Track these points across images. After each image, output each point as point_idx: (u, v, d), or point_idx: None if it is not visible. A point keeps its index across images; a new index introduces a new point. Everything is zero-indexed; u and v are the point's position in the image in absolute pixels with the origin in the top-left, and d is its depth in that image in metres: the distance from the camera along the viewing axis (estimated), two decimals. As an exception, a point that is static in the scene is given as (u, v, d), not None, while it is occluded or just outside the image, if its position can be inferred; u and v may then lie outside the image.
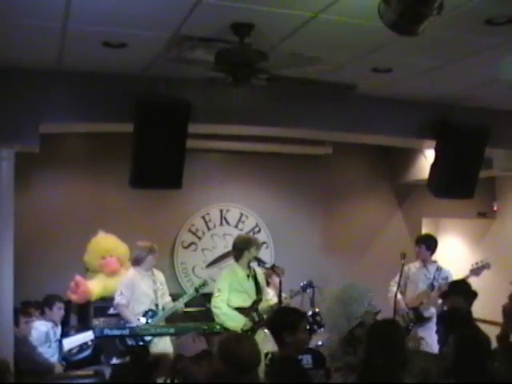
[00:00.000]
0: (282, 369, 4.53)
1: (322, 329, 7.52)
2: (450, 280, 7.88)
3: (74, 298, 8.10)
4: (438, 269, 8.08)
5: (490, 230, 10.98)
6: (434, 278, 7.91)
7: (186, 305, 7.90)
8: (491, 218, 10.95)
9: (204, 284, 7.72)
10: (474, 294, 6.31)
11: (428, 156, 8.84)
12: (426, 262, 8.11)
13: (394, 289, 7.87)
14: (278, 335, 4.66)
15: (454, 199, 8.58)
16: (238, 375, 3.71)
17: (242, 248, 7.47)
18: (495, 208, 10.95)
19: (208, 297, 7.70)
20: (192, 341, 4.77)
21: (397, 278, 7.85)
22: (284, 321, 4.74)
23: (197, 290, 7.70)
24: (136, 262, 7.66)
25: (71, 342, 7.49)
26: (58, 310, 7.63)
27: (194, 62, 5.27)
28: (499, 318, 6.70)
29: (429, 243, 8.18)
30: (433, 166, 7.71)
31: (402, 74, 6.38)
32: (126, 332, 6.90)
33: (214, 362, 3.89)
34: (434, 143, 7.65)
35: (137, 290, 7.52)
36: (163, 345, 7.32)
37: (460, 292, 6.33)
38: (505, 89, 6.85)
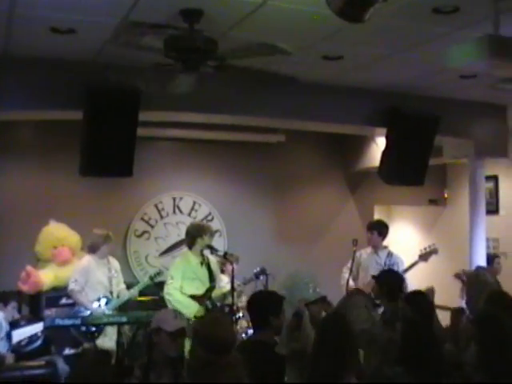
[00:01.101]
0: (263, 354, 4.51)
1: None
2: (400, 266, 7.97)
3: (24, 288, 7.98)
4: (389, 255, 8.08)
5: (441, 216, 11.15)
6: (385, 263, 7.94)
7: (140, 293, 7.90)
8: (442, 205, 11.12)
9: (159, 273, 7.70)
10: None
11: (379, 144, 8.93)
12: (377, 248, 8.11)
13: (346, 275, 7.92)
14: (263, 319, 4.62)
15: (404, 186, 8.67)
16: (218, 357, 3.71)
17: (194, 236, 7.44)
18: (446, 195, 11.12)
19: (161, 285, 7.67)
20: (174, 316, 4.72)
21: (349, 265, 7.90)
22: (270, 303, 4.72)
23: (152, 279, 7.69)
24: (91, 249, 7.61)
25: (20, 334, 7.38)
26: (12, 309, 7.51)
27: (144, 49, 5.21)
28: (449, 303, 6.81)
29: (381, 229, 8.22)
30: (383, 154, 7.78)
31: (353, 62, 6.42)
32: (78, 321, 6.85)
33: (192, 347, 3.88)
34: (385, 131, 7.72)
35: (91, 277, 7.47)
36: (108, 342, 7.26)
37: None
38: (454, 77, 6.94)
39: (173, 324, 4.53)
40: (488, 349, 4.25)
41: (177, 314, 4.78)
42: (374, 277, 6.61)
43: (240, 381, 3.65)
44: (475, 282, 6.46)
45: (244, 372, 3.73)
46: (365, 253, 8.14)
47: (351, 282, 7.91)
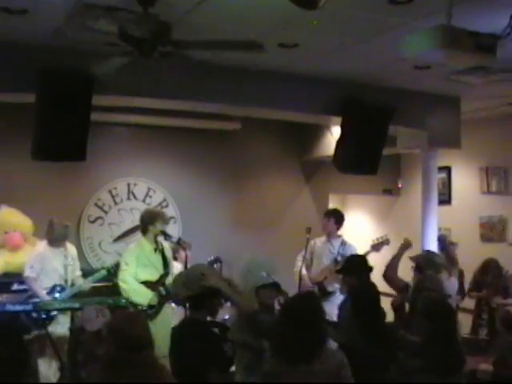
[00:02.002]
0: (195, 331, 4.55)
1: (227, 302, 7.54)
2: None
3: (-26, 274, 7.88)
4: (343, 243, 8.10)
5: (395, 206, 11.30)
6: (338, 252, 7.96)
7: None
8: (396, 195, 11.26)
9: (117, 265, 7.60)
10: (369, 269, 6.47)
11: (334, 133, 8.98)
12: (331, 236, 8.13)
13: (300, 263, 7.96)
14: (199, 300, 4.66)
15: (358, 175, 8.73)
16: (129, 355, 3.66)
17: (147, 222, 7.41)
18: (400, 185, 11.26)
19: (115, 272, 7.63)
20: (96, 315, 4.68)
21: (303, 253, 7.94)
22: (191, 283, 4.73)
23: (109, 271, 7.62)
24: (54, 240, 7.51)
25: (-32, 321, 7.27)
26: None
27: (98, 32, 5.15)
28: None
29: (338, 217, 8.23)
30: (338, 143, 7.82)
31: (309, 50, 6.43)
32: (29, 307, 6.79)
33: (105, 343, 3.84)
34: (340, 120, 7.76)
35: (46, 265, 7.38)
36: (61, 329, 7.19)
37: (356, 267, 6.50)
38: (409, 68, 7.01)
39: (95, 323, 4.51)
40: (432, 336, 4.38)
41: (99, 312, 4.72)
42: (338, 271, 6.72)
43: (152, 380, 3.64)
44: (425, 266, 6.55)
45: (161, 371, 3.73)
46: (319, 241, 8.17)
47: (304, 271, 7.95)
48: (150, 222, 7.38)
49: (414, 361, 4.40)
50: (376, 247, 7.96)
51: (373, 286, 5.74)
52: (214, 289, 4.67)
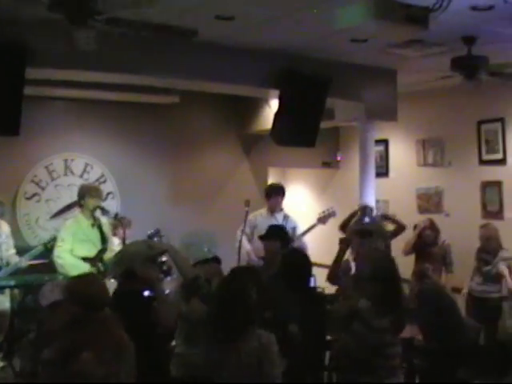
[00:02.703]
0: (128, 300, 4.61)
1: (169, 277, 7.53)
2: (297, 229, 8.05)
3: None
4: (286, 217, 8.09)
5: (334, 179, 11.41)
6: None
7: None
8: (335, 168, 11.36)
9: (54, 239, 7.51)
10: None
11: (273, 106, 8.99)
12: (274, 210, 8.13)
13: (240, 238, 7.95)
14: (131, 270, 4.77)
15: (296, 148, 8.76)
16: (90, 313, 3.80)
17: (81, 197, 7.35)
18: (339, 158, 11.36)
19: (52, 248, 7.53)
20: (49, 290, 4.67)
21: (242, 227, 7.94)
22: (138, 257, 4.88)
23: (45, 246, 7.50)
24: None
25: None
26: None
27: (28, 2, 5.04)
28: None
29: (284, 192, 8.30)
30: (276, 116, 7.81)
31: (245, 22, 6.40)
32: (-36, 285, 6.69)
33: (65, 306, 3.89)
34: (278, 93, 7.76)
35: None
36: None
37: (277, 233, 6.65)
38: (346, 41, 7.04)
39: (49, 297, 4.51)
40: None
41: (54, 287, 4.71)
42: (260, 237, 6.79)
43: (112, 336, 3.78)
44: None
45: (117, 327, 3.80)
46: (260, 215, 8.14)
47: (248, 246, 7.92)
48: (83, 196, 7.32)
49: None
50: (322, 220, 8.04)
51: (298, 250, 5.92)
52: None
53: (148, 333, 4.70)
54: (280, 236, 6.67)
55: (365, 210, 8.16)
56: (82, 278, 4.38)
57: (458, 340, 5.47)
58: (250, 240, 8.04)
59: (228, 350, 4.02)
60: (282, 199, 8.22)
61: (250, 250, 7.92)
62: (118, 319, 4.01)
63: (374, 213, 8.41)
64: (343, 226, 8.09)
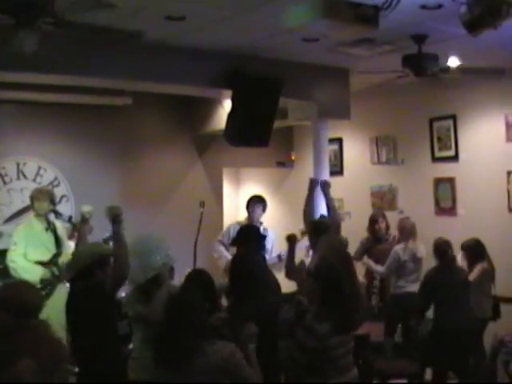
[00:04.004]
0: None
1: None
2: (271, 241, 7.98)
3: None
4: (265, 230, 8.03)
5: (288, 178, 11.45)
6: None
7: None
8: (289, 167, 11.40)
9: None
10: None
11: (226, 106, 8.97)
12: (255, 222, 8.00)
13: (221, 248, 7.77)
14: (89, 270, 4.88)
15: (249, 148, 8.75)
16: (22, 320, 3.71)
17: (32, 201, 7.28)
18: (293, 157, 11.40)
19: (5, 253, 7.42)
20: None
21: (226, 234, 7.78)
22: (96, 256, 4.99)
23: None
24: None
25: None
26: None
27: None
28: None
29: (265, 205, 8.26)
30: (229, 116, 7.81)
31: (195, 22, 6.37)
32: None
33: None
34: (231, 93, 7.76)
35: None
36: None
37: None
38: (297, 40, 7.06)
39: None
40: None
41: None
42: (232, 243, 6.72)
43: (49, 343, 3.69)
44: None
45: (51, 335, 3.76)
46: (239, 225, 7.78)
47: (228, 255, 7.77)
48: (33, 200, 7.25)
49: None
50: None
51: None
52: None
53: (106, 332, 4.69)
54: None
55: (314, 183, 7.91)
56: (12, 284, 4.33)
57: None
58: (228, 250, 7.92)
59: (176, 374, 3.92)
60: (262, 211, 8.17)
61: (228, 257, 7.71)
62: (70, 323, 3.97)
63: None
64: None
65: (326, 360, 4.48)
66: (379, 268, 8.17)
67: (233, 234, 7.54)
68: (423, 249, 8.01)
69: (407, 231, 8.08)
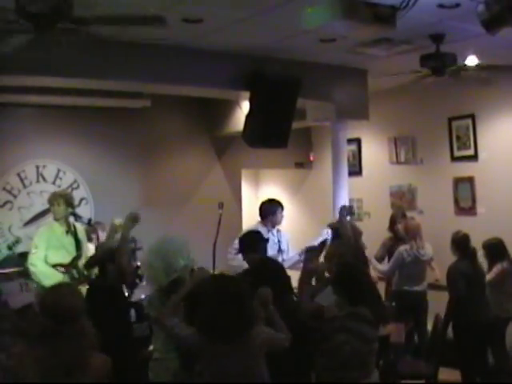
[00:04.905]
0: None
1: (143, 282, 7.49)
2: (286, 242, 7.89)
3: None
4: (278, 231, 7.85)
5: (307, 179, 11.43)
6: (279, 241, 7.78)
7: (4, 265, 7.65)
8: (308, 168, 11.38)
9: (17, 241, 7.46)
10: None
11: (244, 108, 8.99)
12: (275, 226, 7.80)
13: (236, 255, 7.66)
14: (101, 266, 5.13)
15: (268, 149, 8.76)
16: (61, 325, 3.69)
17: (51, 204, 7.32)
18: (312, 158, 11.39)
19: (26, 256, 7.48)
20: (20, 289, 4.59)
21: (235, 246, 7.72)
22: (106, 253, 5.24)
23: (10, 248, 7.47)
24: None
25: None
26: None
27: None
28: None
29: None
30: (247, 117, 7.84)
31: (213, 24, 6.40)
32: None
33: (39, 315, 3.85)
34: (249, 95, 7.77)
35: None
36: None
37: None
38: (314, 41, 7.06)
39: (19, 298, 4.44)
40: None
41: (23, 286, 4.66)
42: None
43: (84, 351, 3.68)
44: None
45: (93, 341, 3.76)
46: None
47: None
48: (52, 204, 7.28)
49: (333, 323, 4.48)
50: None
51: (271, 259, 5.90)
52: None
53: (125, 333, 4.71)
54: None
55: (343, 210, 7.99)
56: (53, 287, 4.33)
57: None
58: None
59: (229, 350, 4.04)
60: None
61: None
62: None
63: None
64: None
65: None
66: (382, 267, 8.16)
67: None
68: (430, 249, 8.01)
69: (412, 232, 8.05)
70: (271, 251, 7.40)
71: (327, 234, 7.43)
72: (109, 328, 4.62)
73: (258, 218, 7.80)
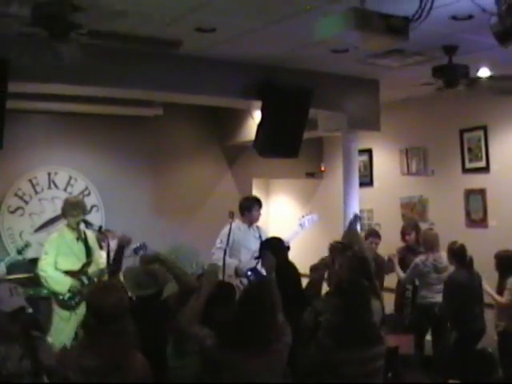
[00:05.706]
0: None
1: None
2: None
3: None
4: (258, 227, 8.04)
5: (318, 189, 11.43)
6: (260, 236, 7.90)
7: (14, 271, 7.68)
8: (319, 178, 11.39)
9: (27, 245, 7.49)
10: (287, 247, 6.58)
11: (255, 117, 9.01)
12: (254, 222, 8.02)
13: (221, 253, 7.75)
14: None
15: (279, 158, 8.77)
16: (103, 325, 3.77)
17: (63, 211, 7.35)
18: (323, 168, 11.39)
19: (36, 262, 7.50)
20: (10, 294, 4.43)
21: (219, 242, 7.77)
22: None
23: (19, 252, 7.50)
24: None
25: None
26: None
27: (10, 16, 5.02)
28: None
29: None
30: (259, 127, 7.85)
31: (226, 34, 6.42)
32: None
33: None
34: (260, 104, 7.79)
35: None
36: None
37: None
38: (326, 51, 7.07)
39: (9, 302, 4.28)
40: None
41: (12, 290, 4.51)
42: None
43: (127, 350, 3.77)
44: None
45: (133, 340, 3.81)
46: (238, 228, 7.88)
47: (230, 260, 7.73)
48: (64, 211, 7.31)
49: (329, 339, 4.43)
50: (302, 225, 7.99)
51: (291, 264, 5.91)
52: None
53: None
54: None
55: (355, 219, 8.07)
56: (97, 287, 4.39)
57: None
58: (232, 254, 7.78)
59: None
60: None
61: (235, 262, 7.70)
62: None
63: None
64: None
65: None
66: (402, 274, 8.16)
67: (232, 237, 7.70)
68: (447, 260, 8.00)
69: (430, 242, 8.03)
70: (254, 246, 7.58)
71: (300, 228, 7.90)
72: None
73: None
